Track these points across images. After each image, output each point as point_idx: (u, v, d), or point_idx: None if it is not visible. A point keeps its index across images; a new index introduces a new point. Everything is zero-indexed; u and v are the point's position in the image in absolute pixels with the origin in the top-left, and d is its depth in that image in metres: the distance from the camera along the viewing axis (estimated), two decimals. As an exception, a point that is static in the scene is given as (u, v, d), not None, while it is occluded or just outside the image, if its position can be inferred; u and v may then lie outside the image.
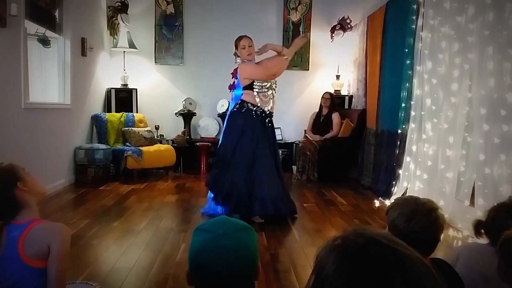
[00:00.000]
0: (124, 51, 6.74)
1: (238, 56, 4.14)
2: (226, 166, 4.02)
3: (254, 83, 4.03)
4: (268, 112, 4.11)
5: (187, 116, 6.87)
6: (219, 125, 7.03)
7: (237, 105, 4.08)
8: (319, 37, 7.18)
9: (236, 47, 4.10)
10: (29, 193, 1.66)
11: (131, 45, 6.66)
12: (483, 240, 1.83)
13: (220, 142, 4.25)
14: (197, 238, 1.12)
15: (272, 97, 4.11)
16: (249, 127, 4.00)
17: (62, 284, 1.61)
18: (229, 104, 4.27)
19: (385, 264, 0.63)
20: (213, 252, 1.08)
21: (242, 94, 4.10)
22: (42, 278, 1.59)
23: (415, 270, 0.64)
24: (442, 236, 1.59)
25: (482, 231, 1.76)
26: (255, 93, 4.04)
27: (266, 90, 4.06)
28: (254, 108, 4.03)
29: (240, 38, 4.09)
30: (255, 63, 4.15)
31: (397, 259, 0.64)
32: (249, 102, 4.03)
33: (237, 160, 3.98)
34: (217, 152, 4.32)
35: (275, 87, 4.17)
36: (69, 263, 1.77)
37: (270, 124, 4.16)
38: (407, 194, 4.43)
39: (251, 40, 4.08)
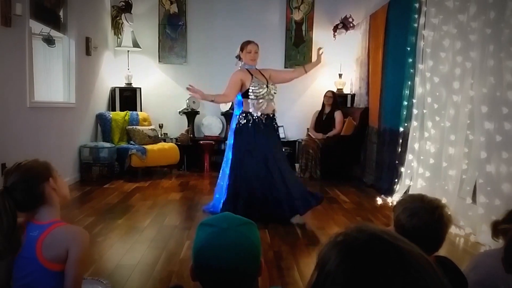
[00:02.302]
0: (128, 50, 6.78)
1: (240, 59, 4.13)
2: (247, 182, 3.95)
3: (249, 91, 4.00)
4: (272, 115, 4.10)
5: (191, 114, 6.90)
6: (223, 123, 7.06)
7: (242, 118, 4.04)
8: (321, 36, 7.18)
9: (242, 50, 4.09)
10: (56, 192, 1.66)
11: (135, 44, 6.69)
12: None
13: (232, 160, 4.09)
14: (201, 233, 1.14)
15: (267, 103, 4.05)
16: (260, 138, 3.98)
17: None
18: (232, 104, 4.26)
19: (387, 260, 0.63)
20: (216, 246, 1.09)
21: (242, 101, 4.10)
22: (58, 280, 1.59)
23: (417, 267, 0.63)
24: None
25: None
26: (249, 101, 4.01)
27: (261, 97, 4.01)
28: (259, 117, 4.00)
29: (248, 42, 4.09)
30: (259, 69, 4.16)
31: (399, 255, 0.64)
32: (251, 112, 4.01)
33: (258, 173, 3.94)
34: (232, 171, 4.07)
35: (274, 92, 4.11)
36: (87, 266, 1.76)
37: (276, 127, 4.18)
38: (410, 192, 4.45)
39: (258, 48, 4.09)
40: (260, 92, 4.01)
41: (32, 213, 1.64)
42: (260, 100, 4.02)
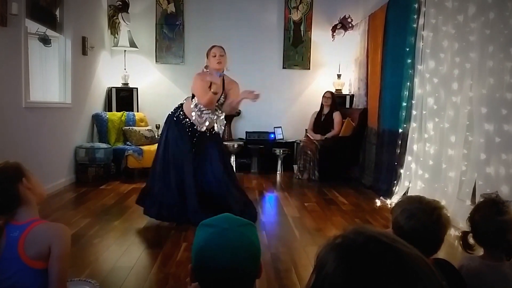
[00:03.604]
0: (125, 50, 6.75)
1: (207, 68, 3.93)
2: (159, 173, 3.90)
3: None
4: (209, 130, 3.93)
5: (188, 115, 6.87)
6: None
7: (176, 108, 3.99)
8: (320, 36, 7.18)
9: (207, 56, 3.92)
10: (32, 191, 1.67)
11: (132, 44, 6.66)
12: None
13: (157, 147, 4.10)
14: (202, 233, 1.14)
15: (210, 121, 3.89)
16: (179, 137, 3.88)
17: (63, 285, 1.62)
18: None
19: (385, 262, 0.63)
20: (217, 246, 1.09)
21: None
22: (43, 278, 1.59)
23: (415, 269, 0.63)
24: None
25: (472, 242, 1.67)
26: (193, 106, 3.85)
27: (204, 112, 3.85)
28: (185, 121, 3.89)
29: (212, 47, 3.92)
30: (226, 79, 3.98)
31: (398, 257, 0.64)
32: (184, 111, 3.90)
33: (168, 169, 3.85)
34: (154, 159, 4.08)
35: (219, 114, 3.96)
36: (69, 262, 1.78)
37: (195, 140, 3.90)
38: (409, 194, 4.43)
39: (224, 50, 3.89)
40: (205, 109, 3.86)
41: (10, 215, 1.64)
42: (203, 115, 3.86)
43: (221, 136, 4.11)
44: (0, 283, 1.58)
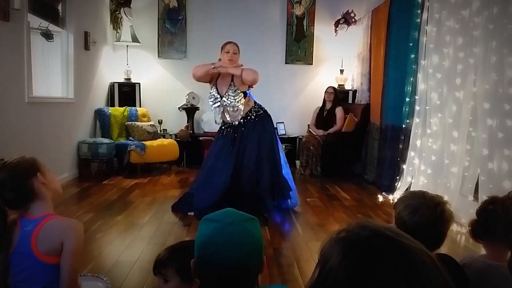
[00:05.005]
0: (127, 45, 6.74)
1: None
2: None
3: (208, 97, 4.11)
4: (231, 123, 4.08)
5: (190, 110, 6.87)
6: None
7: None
8: (323, 31, 7.16)
9: (222, 50, 4.02)
10: (46, 187, 1.67)
11: (134, 39, 6.65)
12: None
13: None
14: (205, 227, 1.13)
15: (225, 113, 4.03)
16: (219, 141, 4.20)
17: (74, 280, 1.62)
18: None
19: (390, 256, 0.63)
20: (221, 240, 1.08)
21: None
22: (54, 273, 1.59)
23: (420, 263, 0.63)
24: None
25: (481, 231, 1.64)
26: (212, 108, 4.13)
27: (213, 103, 4.05)
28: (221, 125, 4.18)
29: (228, 42, 4.02)
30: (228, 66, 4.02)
31: (402, 251, 0.63)
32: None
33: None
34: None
35: (232, 101, 3.95)
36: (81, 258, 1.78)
37: (235, 134, 4.08)
38: (412, 189, 4.42)
39: (238, 48, 3.99)
40: (214, 103, 4.04)
41: (24, 209, 1.64)
42: (215, 106, 4.05)
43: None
44: (12, 276, 1.59)
